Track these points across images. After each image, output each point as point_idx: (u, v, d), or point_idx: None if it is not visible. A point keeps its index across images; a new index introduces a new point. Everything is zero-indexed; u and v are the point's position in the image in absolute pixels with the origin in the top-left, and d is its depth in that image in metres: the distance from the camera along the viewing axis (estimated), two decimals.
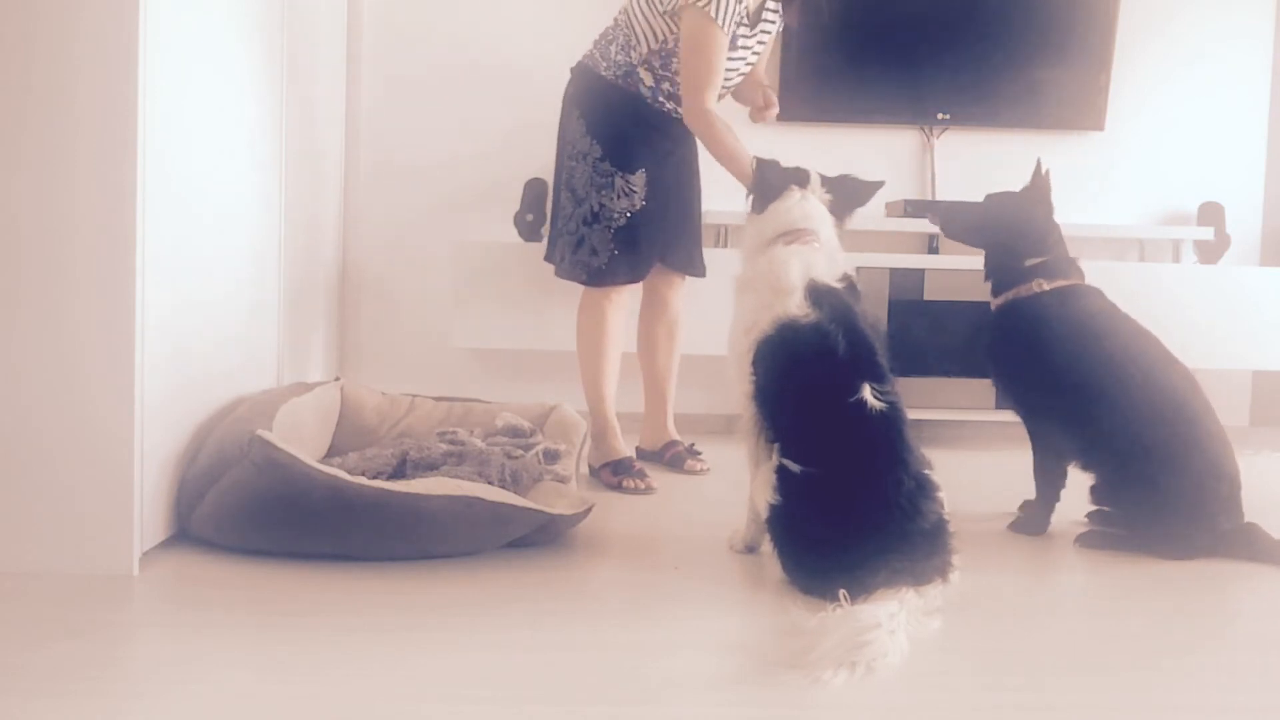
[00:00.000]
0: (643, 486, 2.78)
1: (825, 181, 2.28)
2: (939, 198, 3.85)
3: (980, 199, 2.59)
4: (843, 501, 1.88)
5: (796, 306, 2.01)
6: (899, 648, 1.60)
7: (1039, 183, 2.49)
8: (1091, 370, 2.30)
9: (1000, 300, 2.46)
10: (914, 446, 1.94)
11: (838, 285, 2.08)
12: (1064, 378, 2.33)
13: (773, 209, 2.20)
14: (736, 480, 2.88)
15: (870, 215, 3.83)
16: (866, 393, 1.92)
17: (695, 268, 3.07)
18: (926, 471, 1.92)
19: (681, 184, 2.99)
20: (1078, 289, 2.42)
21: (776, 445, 1.99)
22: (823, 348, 1.97)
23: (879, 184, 2.35)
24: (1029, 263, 2.42)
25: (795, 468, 1.93)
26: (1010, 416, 2.52)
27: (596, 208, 2.86)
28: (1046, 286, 2.40)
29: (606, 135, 2.87)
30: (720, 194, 3.28)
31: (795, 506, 1.92)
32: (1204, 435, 2.25)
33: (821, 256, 2.11)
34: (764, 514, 1.99)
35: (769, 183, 2.25)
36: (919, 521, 1.85)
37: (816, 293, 2.03)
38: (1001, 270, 2.47)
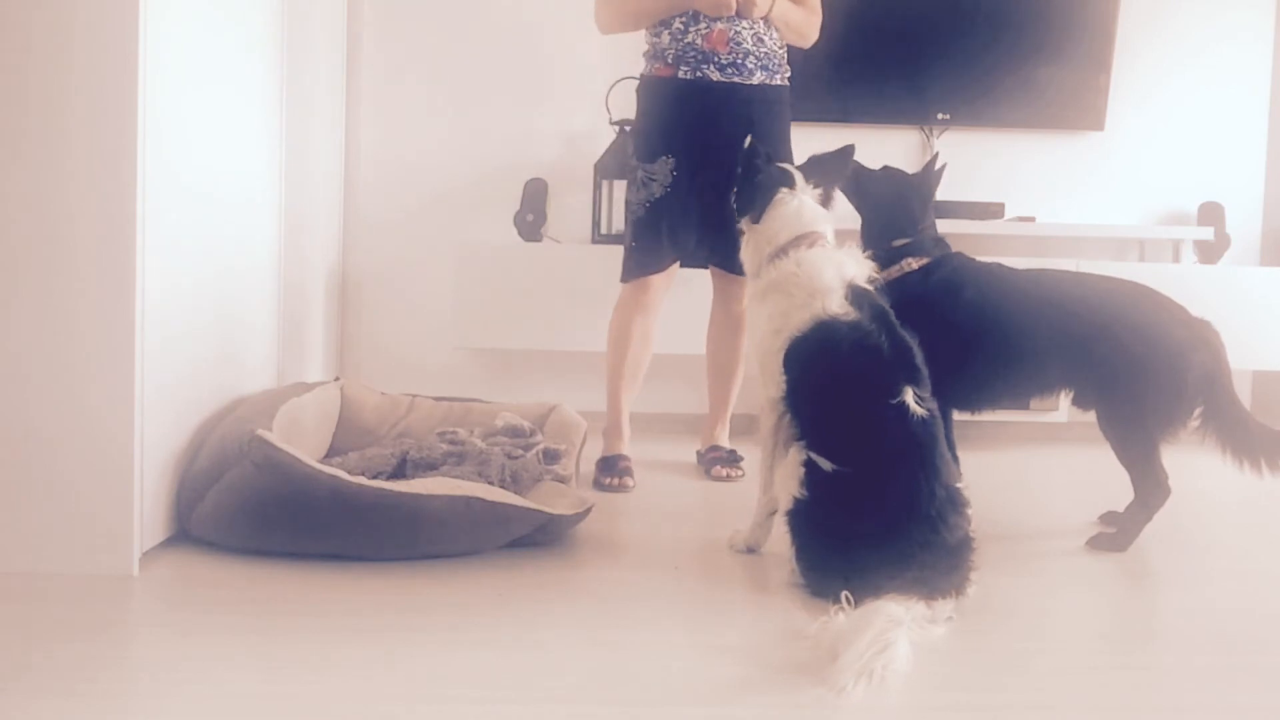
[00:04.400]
0: (616, 484, 2.76)
1: (805, 174, 2.22)
2: (939, 198, 3.83)
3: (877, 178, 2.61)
4: (871, 503, 1.86)
5: (837, 305, 1.99)
6: (905, 654, 1.58)
7: (931, 172, 2.55)
8: (982, 326, 2.37)
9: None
10: (948, 456, 1.93)
11: (869, 287, 2.06)
12: (952, 340, 2.34)
13: (774, 216, 2.15)
14: (739, 481, 2.88)
15: None
16: (909, 396, 1.90)
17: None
18: (958, 485, 1.91)
19: (720, 169, 2.70)
20: (943, 259, 2.47)
21: (803, 441, 1.97)
22: (865, 346, 1.95)
23: (849, 149, 2.29)
24: (896, 244, 2.48)
25: (827, 465, 1.91)
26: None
27: (630, 204, 2.84)
28: (915, 265, 2.46)
29: (636, 129, 2.85)
30: None
31: (821, 502, 1.91)
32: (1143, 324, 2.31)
33: (851, 258, 2.09)
34: (786, 505, 1.97)
35: (759, 189, 2.18)
36: (945, 534, 1.83)
37: (855, 293, 2.02)
38: (876, 250, 2.49)
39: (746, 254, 2.23)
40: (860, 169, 2.58)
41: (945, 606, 1.77)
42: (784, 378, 2.03)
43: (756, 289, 2.17)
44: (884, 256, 2.47)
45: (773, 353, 2.05)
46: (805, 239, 2.11)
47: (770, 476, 2.12)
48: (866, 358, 1.95)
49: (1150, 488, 2.31)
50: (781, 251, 2.10)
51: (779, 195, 2.16)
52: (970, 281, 2.43)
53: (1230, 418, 2.27)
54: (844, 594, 1.71)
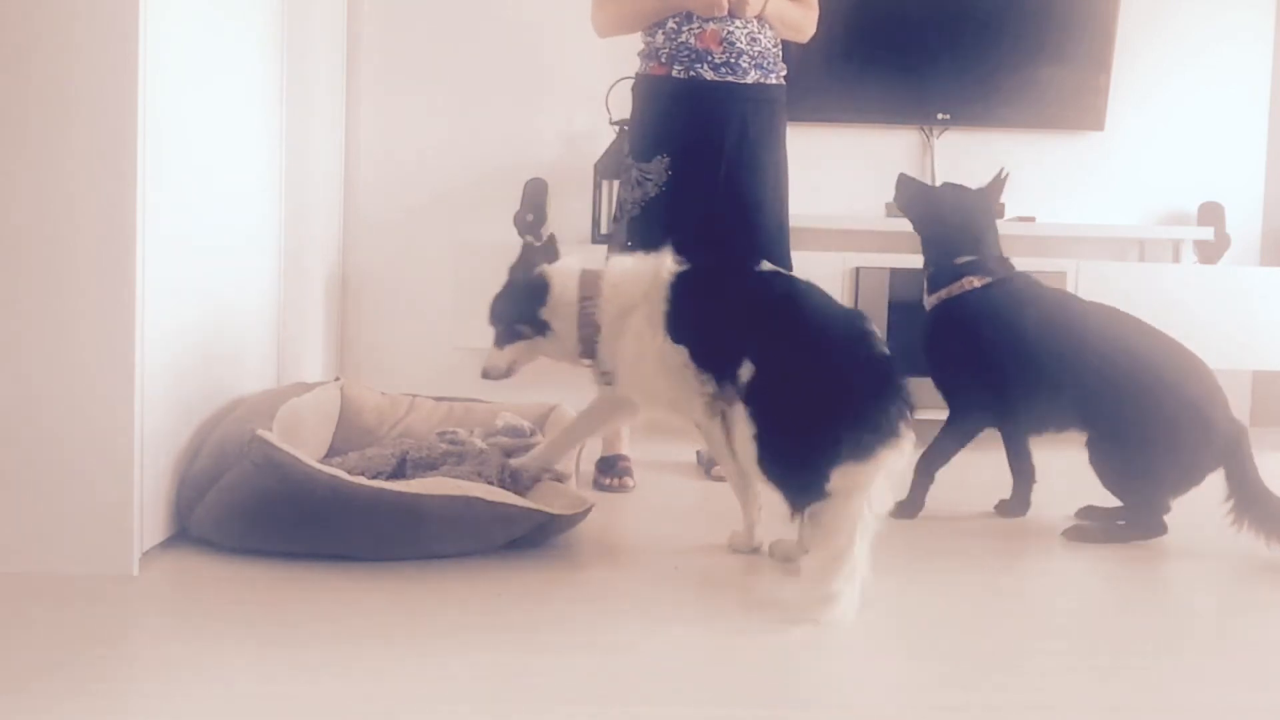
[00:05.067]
0: (616, 484, 2.77)
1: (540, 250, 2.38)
2: None
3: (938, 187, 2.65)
4: (802, 377, 1.96)
5: (670, 263, 2.14)
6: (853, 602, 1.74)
7: (995, 186, 2.55)
8: (1030, 352, 2.37)
9: (934, 299, 2.51)
10: (834, 303, 2.11)
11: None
12: (1005, 363, 2.40)
13: (558, 292, 2.25)
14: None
15: (870, 215, 3.85)
16: (765, 266, 2.13)
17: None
18: (858, 320, 2.04)
19: (722, 168, 2.73)
20: (1006, 282, 2.46)
21: (737, 405, 2.03)
22: (712, 268, 2.15)
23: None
24: (959, 260, 2.48)
25: (748, 372, 2.00)
26: None
27: (624, 204, 2.84)
28: (977, 284, 2.45)
29: (631, 127, 2.85)
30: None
31: (770, 419, 1.98)
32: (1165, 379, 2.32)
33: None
34: (755, 466, 2.01)
35: (534, 287, 2.31)
36: (873, 346, 1.98)
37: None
38: (937, 266, 2.52)
39: (559, 348, 2.33)
40: (921, 186, 2.59)
41: (895, 458, 1.89)
42: (679, 350, 2.10)
43: (607, 341, 2.20)
44: (946, 273, 2.48)
45: (658, 350, 2.11)
46: (587, 278, 2.21)
47: (742, 484, 2.17)
48: (719, 271, 2.16)
49: (1151, 523, 2.34)
50: (586, 299, 2.20)
51: (547, 278, 2.28)
52: (1028, 306, 2.42)
53: (1249, 492, 2.25)
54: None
